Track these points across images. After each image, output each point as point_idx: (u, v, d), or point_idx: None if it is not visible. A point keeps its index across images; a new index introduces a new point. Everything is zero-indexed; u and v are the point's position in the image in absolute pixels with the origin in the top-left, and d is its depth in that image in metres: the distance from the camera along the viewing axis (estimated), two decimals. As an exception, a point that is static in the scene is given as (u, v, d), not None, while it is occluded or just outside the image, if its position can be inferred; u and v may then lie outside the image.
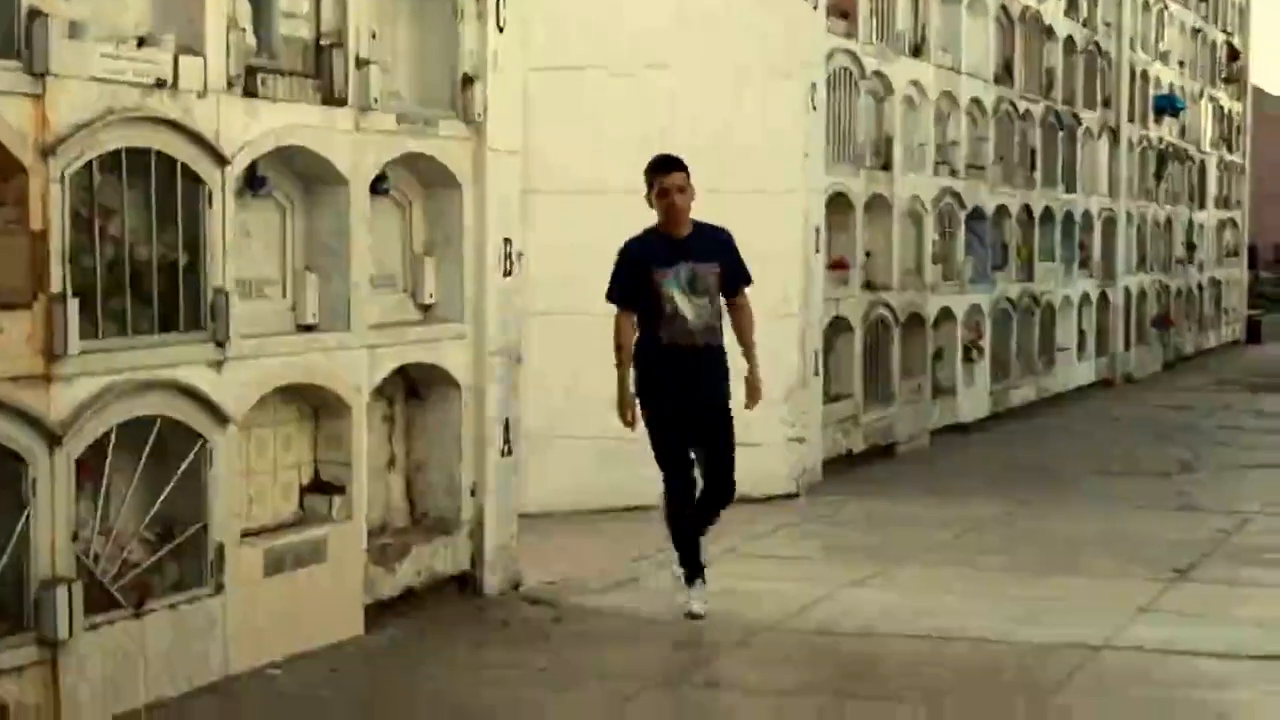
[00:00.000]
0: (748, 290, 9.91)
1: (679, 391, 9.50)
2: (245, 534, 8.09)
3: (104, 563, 7.34)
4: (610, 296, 9.66)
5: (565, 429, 11.61)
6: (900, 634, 9.03)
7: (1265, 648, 8.57)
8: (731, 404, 9.80)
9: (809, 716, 7.91)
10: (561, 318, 11.70)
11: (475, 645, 8.83)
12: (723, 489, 9.80)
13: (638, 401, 9.68)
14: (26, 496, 6.78)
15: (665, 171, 9.53)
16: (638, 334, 9.63)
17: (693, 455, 9.73)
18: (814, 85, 13.90)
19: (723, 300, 9.74)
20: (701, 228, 9.74)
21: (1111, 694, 7.99)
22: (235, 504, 7.95)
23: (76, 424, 6.98)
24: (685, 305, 9.41)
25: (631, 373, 9.72)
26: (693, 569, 9.60)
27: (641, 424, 9.83)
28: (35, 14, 6.76)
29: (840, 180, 15.01)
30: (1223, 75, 33.32)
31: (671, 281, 9.40)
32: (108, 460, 7.30)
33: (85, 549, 7.20)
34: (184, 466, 7.65)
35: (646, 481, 12.56)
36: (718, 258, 9.64)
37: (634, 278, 9.48)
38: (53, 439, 6.82)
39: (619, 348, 9.62)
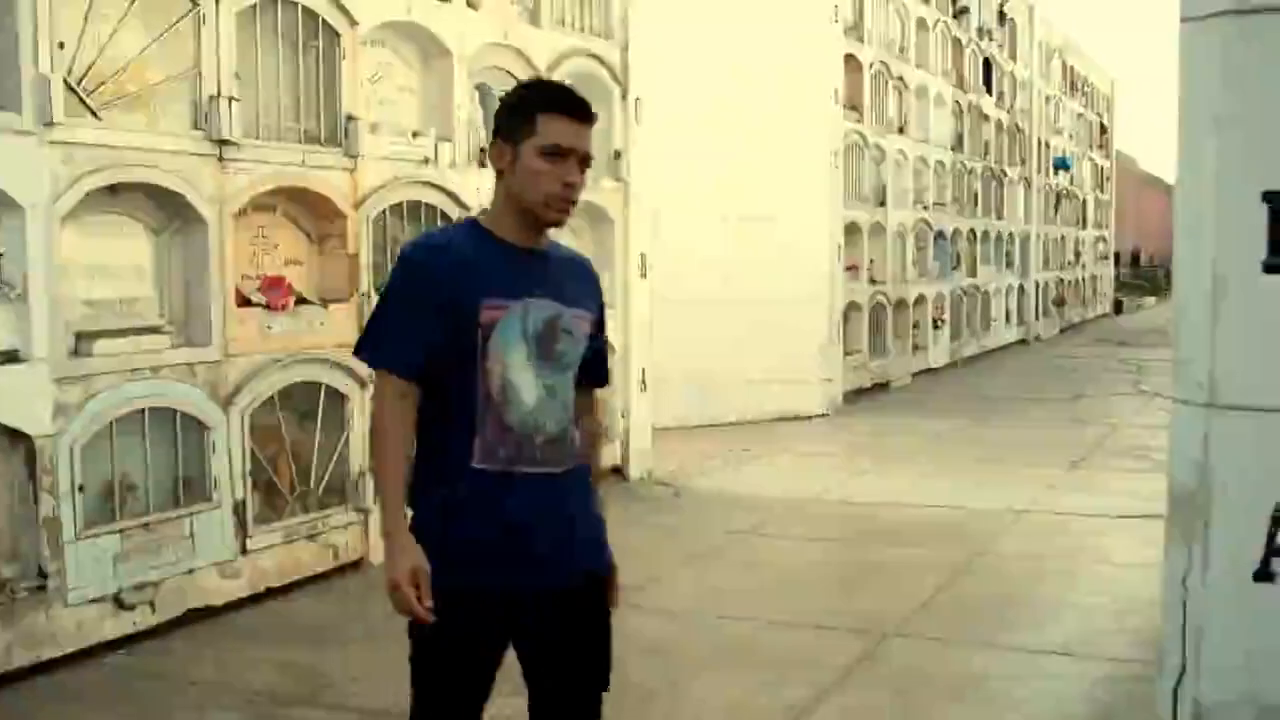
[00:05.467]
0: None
1: (511, 569, 2.98)
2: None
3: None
4: (363, 351, 3.09)
5: (675, 374, 11.63)
6: (893, 503, 9.03)
7: (1130, 510, 8.53)
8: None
9: (837, 551, 7.97)
10: (673, 304, 11.66)
11: (625, 510, 8.90)
12: None
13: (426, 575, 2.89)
14: (347, 421, 6.96)
15: (574, 113, 3.02)
16: (431, 440, 3.03)
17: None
18: (835, 153, 13.87)
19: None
20: (554, 243, 3.22)
21: (1033, 537, 8.02)
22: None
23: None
24: (528, 381, 3.00)
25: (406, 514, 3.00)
26: None
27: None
28: (351, 118, 6.93)
29: (853, 213, 14.92)
30: (1097, 143, 33.04)
31: (512, 326, 2.99)
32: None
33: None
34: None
35: (722, 405, 12.68)
36: (594, 300, 3.22)
37: (426, 315, 2.96)
38: (363, 382, 6.97)
39: (383, 456, 2.99)
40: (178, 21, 6.00)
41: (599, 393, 3.36)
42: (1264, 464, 3.02)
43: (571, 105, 3.04)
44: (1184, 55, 3.35)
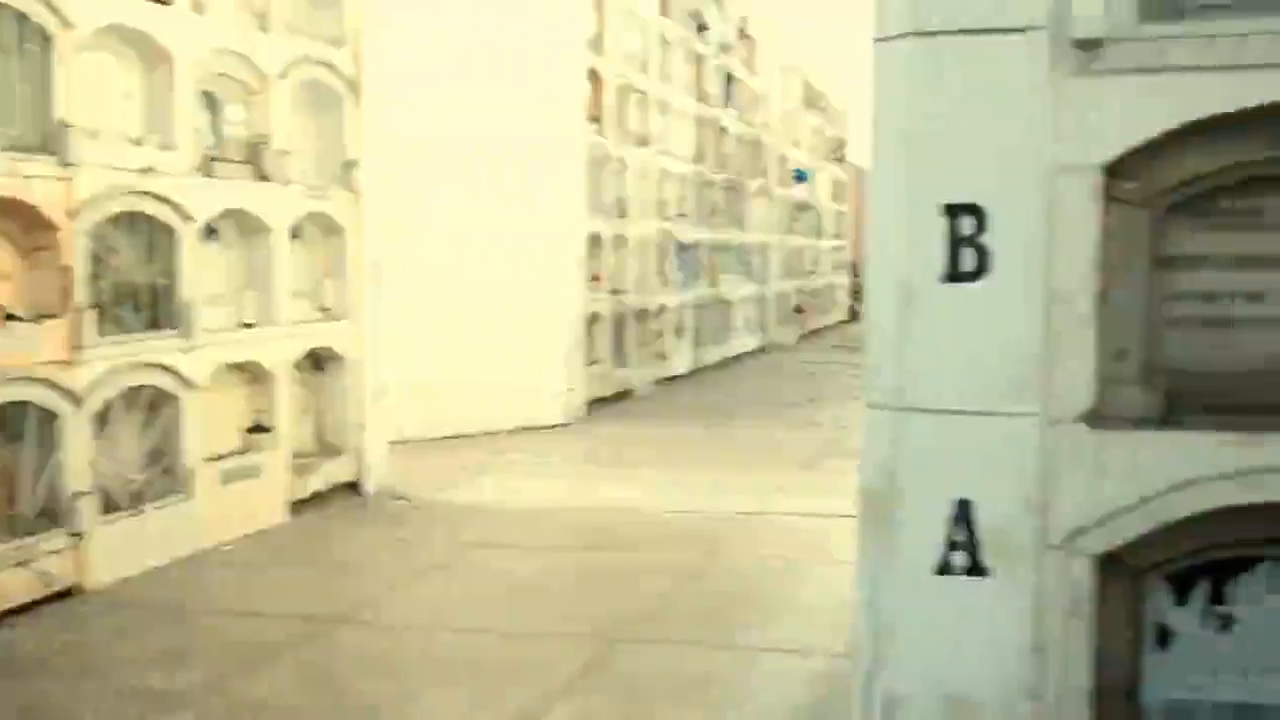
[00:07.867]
0: None
1: None
2: (208, 459, 7.94)
3: (113, 480, 7.23)
4: None
5: (413, 386, 11.51)
6: (630, 510, 9.12)
7: (854, 510, 8.83)
8: None
9: (572, 560, 7.98)
10: (412, 316, 11.55)
11: (359, 525, 8.80)
12: None
13: None
14: (59, 442, 6.68)
15: None
16: None
17: None
18: (577, 164, 13.98)
19: None
20: None
21: (762, 539, 8.21)
22: (201, 440, 7.81)
23: (93, 391, 6.87)
24: None
25: None
26: None
27: None
28: (64, 124, 6.65)
29: (596, 224, 15.08)
30: (834, 156, 34.17)
31: None
32: (114, 414, 7.19)
33: (100, 472, 7.09)
34: (166, 416, 7.57)
35: (462, 417, 12.60)
36: None
37: None
38: (76, 401, 6.72)
39: None
40: None
41: None
42: (944, 463, 3.17)
43: None
44: (875, 74, 3.50)
